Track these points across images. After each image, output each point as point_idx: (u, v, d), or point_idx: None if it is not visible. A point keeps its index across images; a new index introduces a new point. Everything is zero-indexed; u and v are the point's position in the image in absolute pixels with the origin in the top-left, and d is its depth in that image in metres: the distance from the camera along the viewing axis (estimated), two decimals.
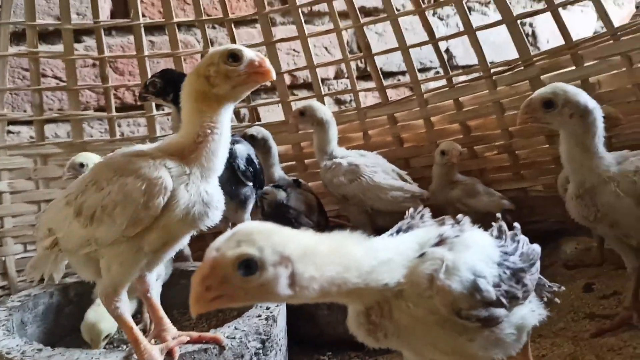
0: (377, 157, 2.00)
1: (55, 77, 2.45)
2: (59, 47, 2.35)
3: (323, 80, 2.91)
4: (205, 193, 1.07)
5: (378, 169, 1.88)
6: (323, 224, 1.91)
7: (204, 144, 1.06)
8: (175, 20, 2.31)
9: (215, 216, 1.10)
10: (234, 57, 1.03)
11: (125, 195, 1.02)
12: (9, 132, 2.32)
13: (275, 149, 2.10)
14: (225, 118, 1.08)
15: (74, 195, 1.09)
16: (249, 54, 1.04)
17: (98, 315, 1.42)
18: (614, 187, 1.33)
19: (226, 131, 1.09)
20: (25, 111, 2.39)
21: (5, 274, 2.12)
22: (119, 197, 1.02)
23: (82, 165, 1.68)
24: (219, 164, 1.10)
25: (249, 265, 0.70)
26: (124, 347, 1.53)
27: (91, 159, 1.69)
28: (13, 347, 1.19)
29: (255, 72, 1.04)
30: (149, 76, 2.26)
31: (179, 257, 1.78)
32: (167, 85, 1.70)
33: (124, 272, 1.09)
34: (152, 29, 2.57)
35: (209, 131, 1.06)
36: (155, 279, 1.29)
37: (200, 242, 2.25)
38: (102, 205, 1.03)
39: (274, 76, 1.06)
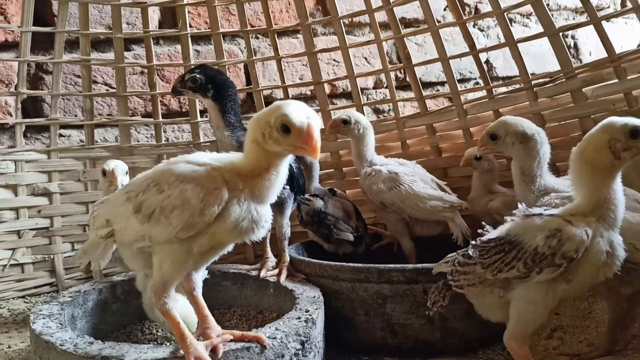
0: (417, 166, 2.01)
1: (106, 84, 2.56)
2: (109, 55, 2.45)
3: (362, 89, 2.95)
4: (255, 211, 1.13)
5: (417, 178, 1.89)
6: (362, 230, 1.93)
7: (260, 177, 1.12)
8: (221, 30, 2.38)
9: (260, 233, 1.15)
10: (286, 129, 1.05)
11: (183, 201, 1.08)
12: (61, 135, 2.43)
13: (316, 164, 2.12)
14: (283, 161, 1.13)
15: (135, 193, 1.16)
16: (299, 127, 1.04)
17: (185, 310, 1.44)
18: None
19: (283, 169, 1.14)
20: (76, 116, 2.50)
21: (54, 272, 2.21)
22: (178, 201, 1.08)
23: (103, 173, 1.76)
24: (272, 196, 1.15)
25: None
26: (167, 343, 1.58)
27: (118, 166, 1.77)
28: (66, 339, 1.24)
29: (301, 147, 1.06)
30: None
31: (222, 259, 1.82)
32: (208, 82, 1.73)
33: (174, 271, 1.15)
34: (198, 38, 2.66)
35: (265, 169, 1.11)
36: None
37: (240, 246, 2.34)
38: (161, 206, 1.10)
39: (317, 156, 1.08)
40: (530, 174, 1.56)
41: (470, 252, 1.27)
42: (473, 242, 1.30)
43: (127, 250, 1.24)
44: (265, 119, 1.07)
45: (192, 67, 1.78)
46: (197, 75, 1.72)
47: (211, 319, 1.27)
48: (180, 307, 1.43)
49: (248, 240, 1.15)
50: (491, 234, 1.30)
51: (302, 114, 1.05)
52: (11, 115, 2.37)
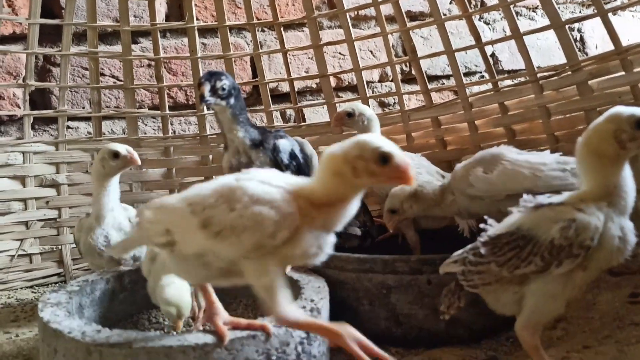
0: (421, 158, 2.00)
1: (113, 76, 2.57)
2: (116, 48, 2.47)
3: (368, 82, 2.94)
4: (323, 239, 1.13)
5: (422, 170, 1.89)
6: (369, 223, 1.93)
7: (334, 208, 1.10)
8: (227, 23, 2.39)
9: (321, 258, 1.15)
10: (384, 160, 1.05)
11: (256, 222, 1.06)
12: (69, 127, 2.45)
13: (315, 155, 2.13)
14: (361, 192, 1.13)
15: (201, 207, 1.12)
16: (398, 159, 1.05)
17: (180, 291, 1.46)
18: None
19: (358, 200, 1.13)
20: (84, 108, 2.51)
21: (61, 262, 2.24)
22: (250, 222, 1.06)
23: (116, 155, 1.70)
24: (342, 225, 1.15)
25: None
26: (174, 332, 1.60)
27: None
28: (74, 327, 1.26)
29: (398, 177, 1.06)
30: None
31: None
32: (232, 88, 1.70)
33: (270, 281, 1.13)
34: (204, 31, 2.67)
35: (342, 200, 1.10)
36: None
37: None
38: (231, 225, 1.07)
39: (414, 184, 1.11)
40: None
41: (481, 250, 1.24)
42: (481, 239, 1.27)
43: (180, 260, 1.19)
44: (355, 154, 1.05)
45: (206, 77, 1.69)
46: (226, 83, 1.67)
47: (219, 305, 1.28)
48: (174, 289, 1.46)
49: (310, 263, 1.16)
50: (497, 228, 1.28)
51: (393, 145, 1.06)
52: (19, 107, 2.40)
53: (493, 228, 1.29)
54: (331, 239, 1.15)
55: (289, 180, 1.14)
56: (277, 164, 1.68)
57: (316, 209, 1.09)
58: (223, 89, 1.66)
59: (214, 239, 1.09)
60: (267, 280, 1.10)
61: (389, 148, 1.05)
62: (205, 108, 2.21)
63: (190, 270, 1.20)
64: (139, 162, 1.75)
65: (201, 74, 2.36)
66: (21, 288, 2.15)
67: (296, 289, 1.51)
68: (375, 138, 1.08)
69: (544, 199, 1.25)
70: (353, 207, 1.12)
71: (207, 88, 1.65)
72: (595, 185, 1.20)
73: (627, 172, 1.20)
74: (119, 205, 1.79)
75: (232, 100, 1.69)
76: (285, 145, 1.74)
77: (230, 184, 1.14)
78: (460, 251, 1.31)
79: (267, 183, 1.11)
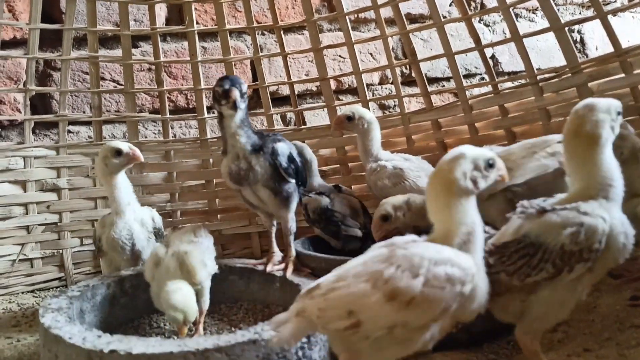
0: (422, 161, 2.00)
1: (113, 81, 2.58)
2: (117, 52, 2.47)
3: (368, 85, 2.94)
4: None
5: (422, 174, 1.90)
6: (369, 226, 1.93)
7: (468, 239, 1.11)
8: (227, 27, 2.39)
9: None
10: (491, 165, 1.13)
11: (446, 282, 1.05)
12: (69, 131, 2.45)
13: (314, 159, 2.14)
14: None
15: (382, 281, 1.08)
16: (498, 159, 1.14)
17: (187, 297, 1.48)
18: None
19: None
20: (84, 112, 2.52)
21: (62, 266, 2.24)
22: (439, 283, 1.05)
23: (118, 153, 1.73)
24: None
25: None
26: (174, 337, 1.60)
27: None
28: (75, 333, 1.26)
29: (500, 176, 1.15)
30: (202, 81, 2.38)
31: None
32: (245, 92, 1.68)
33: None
34: (204, 35, 2.67)
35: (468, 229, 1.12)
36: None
37: (246, 241, 2.36)
38: (421, 292, 1.05)
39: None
40: None
41: (489, 260, 1.20)
42: (485, 248, 1.22)
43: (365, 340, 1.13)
44: (465, 167, 1.11)
45: (232, 82, 1.64)
46: (245, 87, 1.66)
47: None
48: (181, 295, 1.46)
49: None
50: (499, 235, 1.26)
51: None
52: (20, 112, 2.40)
53: (494, 236, 1.27)
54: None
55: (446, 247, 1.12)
56: (275, 168, 1.68)
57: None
58: (243, 94, 1.65)
59: (404, 310, 1.05)
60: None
61: (490, 153, 1.14)
62: (225, 111, 2.03)
63: (383, 347, 1.13)
64: (142, 159, 1.78)
65: (202, 78, 2.38)
66: (22, 293, 2.15)
67: (297, 293, 1.50)
68: (466, 148, 1.15)
69: (542, 203, 1.25)
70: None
71: (237, 93, 1.61)
72: (585, 181, 1.22)
73: (609, 158, 1.22)
74: (135, 199, 1.81)
75: (243, 105, 1.67)
76: (284, 148, 1.74)
77: (401, 252, 1.11)
78: None
79: (432, 246, 1.11)
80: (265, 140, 1.71)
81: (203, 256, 1.60)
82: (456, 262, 1.07)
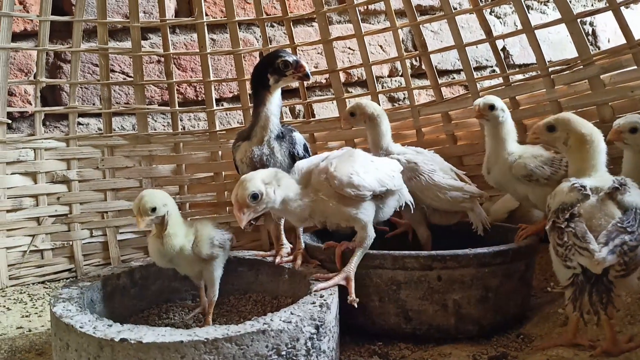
0: (434, 155, 1.95)
1: (123, 73, 2.58)
2: (126, 44, 2.47)
3: (377, 78, 2.94)
4: None
5: (436, 167, 1.86)
6: None
7: None
8: (237, 19, 2.39)
9: None
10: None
11: None
12: (79, 123, 2.46)
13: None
14: None
15: None
16: None
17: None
18: None
19: None
20: (94, 104, 2.53)
21: (72, 258, 2.25)
22: None
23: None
24: None
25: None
26: (184, 327, 1.61)
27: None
28: (86, 322, 1.27)
29: None
30: (211, 73, 2.38)
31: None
32: None
33: None
34: (213, 27, 2.67)
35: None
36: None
37: (255, 233, 2.36)
38: None
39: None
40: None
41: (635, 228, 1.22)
42: (619, 221, 1.23)
43: None
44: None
45: (286, 54, 1.77)
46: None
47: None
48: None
49: None
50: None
51: None
52: (30, 104, 2.41)
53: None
54: None
55: None
56: (292, 157, 1.72)
57: None
58: None
59: None
60: None
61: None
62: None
63: None
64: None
65: (211, 70, 2.38)
66: (33, 284, 2.17)
67: (305, 285, 1.51)
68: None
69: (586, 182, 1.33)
70: None
71: (304, 63, 1.74)
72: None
73: None
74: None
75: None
76: (300, 138, 1.80)
77: None
78: (605, 248, 1.20)
79: None
80: (285, 129, 1.77)
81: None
82: None
